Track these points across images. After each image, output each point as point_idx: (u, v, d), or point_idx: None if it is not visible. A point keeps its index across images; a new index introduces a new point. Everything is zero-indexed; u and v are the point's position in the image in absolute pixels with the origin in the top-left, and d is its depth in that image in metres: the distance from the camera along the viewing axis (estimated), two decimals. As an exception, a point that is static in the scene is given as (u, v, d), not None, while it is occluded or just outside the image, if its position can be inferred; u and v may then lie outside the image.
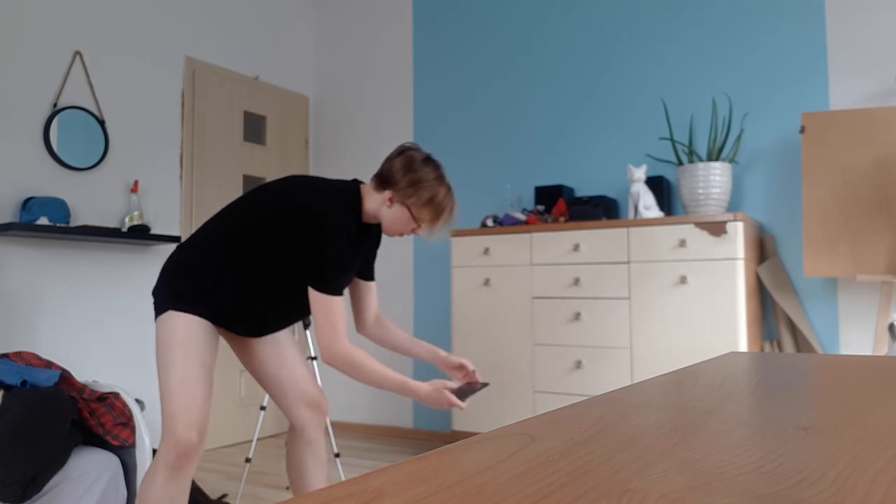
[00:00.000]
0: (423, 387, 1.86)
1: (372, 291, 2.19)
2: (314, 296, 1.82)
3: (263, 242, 1.83)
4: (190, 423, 1.77)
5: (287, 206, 1.83)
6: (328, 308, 1.82)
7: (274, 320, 1.98)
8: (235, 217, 1.88)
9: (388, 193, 1.89)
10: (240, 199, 1.93)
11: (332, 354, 1.81)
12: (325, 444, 2.12)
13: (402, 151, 1.91)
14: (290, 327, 2.18)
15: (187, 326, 1.81)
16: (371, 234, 2.04)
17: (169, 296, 1.85)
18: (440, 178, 1.89)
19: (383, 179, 1.90)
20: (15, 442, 2.19)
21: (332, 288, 1.81)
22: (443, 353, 2.10)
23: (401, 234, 1.95)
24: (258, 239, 1.83)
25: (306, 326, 3.19)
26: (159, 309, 1.86)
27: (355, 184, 1.95)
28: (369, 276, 2.17)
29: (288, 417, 2.11)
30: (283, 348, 2.10)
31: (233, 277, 1.84)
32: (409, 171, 1.87)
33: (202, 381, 1.81)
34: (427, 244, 4.39)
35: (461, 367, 2.07)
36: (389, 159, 1.92)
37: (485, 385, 2.01)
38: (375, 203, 1.94)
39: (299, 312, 1.99)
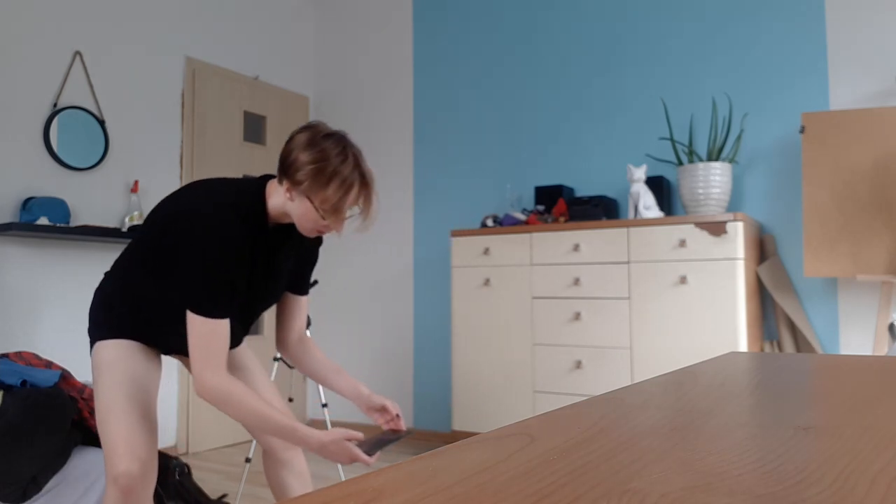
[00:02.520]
0: (318, 436, 1.55)
1: (300, 307, 1.88)
2: (188, 316, 1.53)
3: (165, 259, 1.61)
4: (127, 452, 1.56)
5: (171, 216, 1.60)
6: (201, 332, 1.52)
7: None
8: (141, 235, 1.68)
9: (285, 184, 1.58)
10: (148, 214, 1.71)
11: (202, 387, 1.52)
12: (303, 459, 1.96)
13: (301, 129, 1.60)
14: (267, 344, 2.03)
15: (112, 349, 1.65)
16: (294, 239, 1.75)
17: (95, 328, 1.69)
18: (344, 151, 1.55)
19: (280, 167, 1.59)
20: (15, 442, 2.19)
21: (206, 308, 1.51)
22: (365, 390, 1.80)
23: (319, 233, 1.63)
24: (160, 257, 1.62)
25: (307, 326, 3.19)
26: (91, 346, 1.70)
27: (261, 180, 1.66)
28: (301, 288, 1.86)
29: (258, 442, 1.93)
30: (238, 373, 1.88)
31: (147, 298, 1.65)
32: (305, 150, 1.55)
33: (135, 402, 1.61)
34: (427, 244, 4.39)
35: (384, 410, 1.78)
36: (287, 141, 1.61)
37: (408, 432, 1.73)
38: (280, 199, 1.62)
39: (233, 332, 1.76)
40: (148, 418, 1.63)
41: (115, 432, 1.58)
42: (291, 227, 1.71)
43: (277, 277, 1.73)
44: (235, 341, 1.83)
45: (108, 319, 1.68)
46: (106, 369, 1.63)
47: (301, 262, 1.83)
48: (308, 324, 3.20)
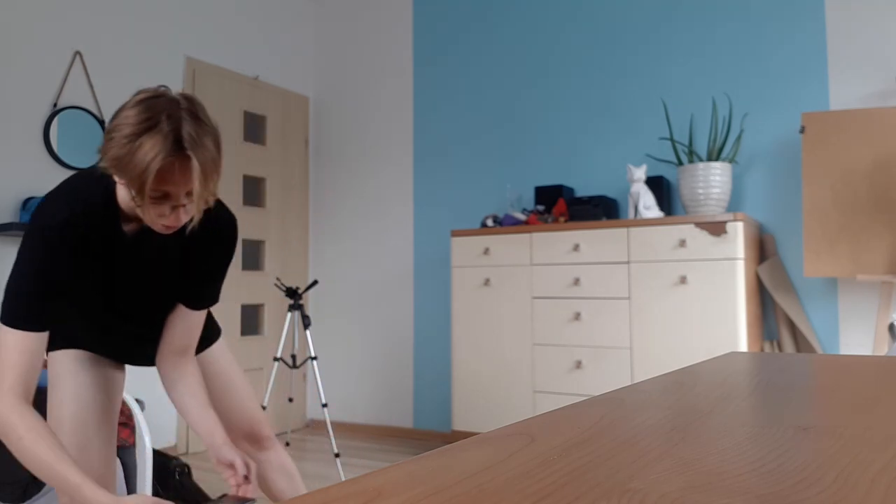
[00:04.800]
0: (105, 502, 1.22)
1: (183, 321, 1.52)
2: None
3: None
4: None
5: None
6: None
7: (121, 347, 1.61)
8: None
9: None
10: None
11: None
12: (283, 454, 1.87)
13: (136, 93, 1.26)
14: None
15: (63, 364, 1.55)
16: (159, 237, 1.42)
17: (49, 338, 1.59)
18: (158, 115, 1.19)
19: None
20: (15, 442, 2.18)
21: (6, 313, 1.28)
22: (220, 439, 1.48)
23: (167, 228, 1.30)
24: None
25: (306, 326, 3.19)
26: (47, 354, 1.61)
27: None
28: (186, 299, 1.52)
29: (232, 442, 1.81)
30: (210, 380, 1.76)
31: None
32: (119, 115, 1.22)
33: (80, 421, 1.50)
34: (427, 244, 4.39)
35: (232, 468, 1.45)
36: None
37: (251, 501, 1.40)
38: (124, 189, 1.33)
39: (136, 337, 1.59)
40: (99, 435, 1.53)
41: (70, 448, 1.50)
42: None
43: (152, 281, 1.47)
44: (123, 352, 1.63)
45: (59, 330, 1.59)
46: (54, 385, 1.54)
47: (190, 266, 1.49)
48: (307, 324, 3.19)
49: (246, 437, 1.77)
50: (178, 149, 1.19)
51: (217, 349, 1.79)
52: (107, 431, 1.57)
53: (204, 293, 1.53)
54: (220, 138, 1.29)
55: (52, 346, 1.60)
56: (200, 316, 1.54)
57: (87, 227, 1.32)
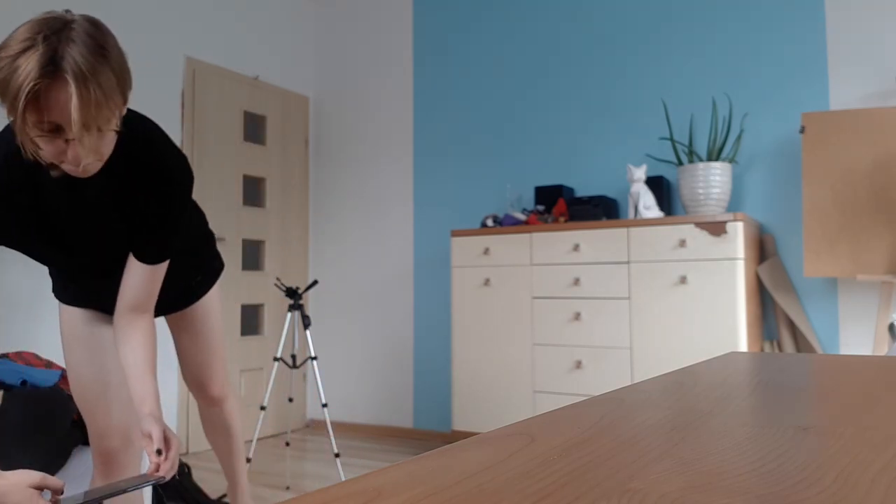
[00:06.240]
0: None
1: (134, 273, 1.41)
2: None
3: None
4: (100, 430, 1.55)
5: None
6: None
7: (94, 296, 1.58)
8: None
9: None
10: None
11: None
12: (229, 413, 2.02)
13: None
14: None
15: (71, 322, 1.58)
16: (84, 182, 1.30)
17: (57, 290, 1.61)
18: (36, 36, 1.10)
19: None
20: (15, 442, 2.19)
21: None
22: (146, 409, 1.36)
23: (78, 171, 1.19)
24: None
25: (306, 326, 3.19)
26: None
27: None
28: (134, 250, 1.41)
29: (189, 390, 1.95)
30: (182, 332, 1.81)
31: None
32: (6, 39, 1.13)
33: (94, 375, 1.55)
34: (427, 244, 4.38)
35: (151, 440, 1.34)
36: None
37: (159, 480, 1.29)
38: None
39: (99, 283, 1.53)
40: (108, 389, 1.57)
41: (84, 409, 1.56)
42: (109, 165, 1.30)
43: (97, 229, 1.37)
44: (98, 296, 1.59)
45: (64, 287, 1.60)
46: (68, 349, 1.58)
47: (130, 213, 1.37)
48: (307, 324, 3.19)
49: (196, 388, 1.89)
50: (53, 70, 1.07)
51: (204, 301, 1.80)
52: (114, 383, 1.60)
53: (149, 244, 1.39)
54: (126, 72, 1.17)
55: (65, 299, 1.61)
56: (153, 272, 1.42)
57: (10, 174, 1.24)
